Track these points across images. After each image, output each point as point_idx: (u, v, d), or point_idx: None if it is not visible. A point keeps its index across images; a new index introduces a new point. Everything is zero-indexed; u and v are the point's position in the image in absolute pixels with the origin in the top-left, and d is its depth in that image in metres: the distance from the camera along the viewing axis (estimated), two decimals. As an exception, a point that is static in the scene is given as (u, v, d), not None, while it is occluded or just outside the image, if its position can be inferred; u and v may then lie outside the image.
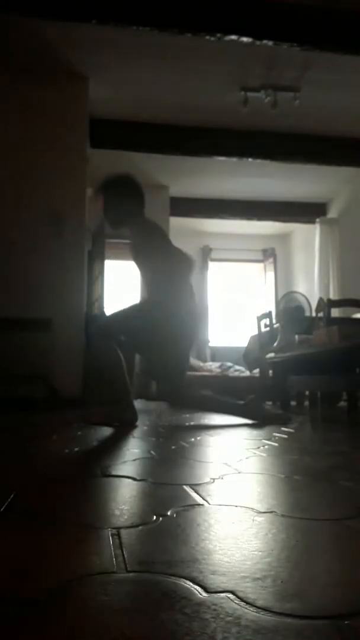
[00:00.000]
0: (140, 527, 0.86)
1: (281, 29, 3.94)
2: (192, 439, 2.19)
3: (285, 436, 2.30)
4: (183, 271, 2.86)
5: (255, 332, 5.97)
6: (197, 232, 8.34)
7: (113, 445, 1.99)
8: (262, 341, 5.60)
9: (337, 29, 3.99)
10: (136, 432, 2.45)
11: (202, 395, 3.06)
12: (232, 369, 7.51)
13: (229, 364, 7.61)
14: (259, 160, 5.99)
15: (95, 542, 0.78)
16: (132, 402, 2.80)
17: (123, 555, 0.72)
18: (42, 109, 4.77)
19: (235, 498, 1.10)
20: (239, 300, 9.05)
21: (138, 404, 5.48)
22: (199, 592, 0.59)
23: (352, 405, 3.54)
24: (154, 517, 0.91)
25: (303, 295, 6.64)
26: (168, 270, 2.78)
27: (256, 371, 6.06)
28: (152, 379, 2.96)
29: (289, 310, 5.82)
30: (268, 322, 5.56)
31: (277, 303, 7.76)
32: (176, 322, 2.77)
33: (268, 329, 5.54)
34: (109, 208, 2.88)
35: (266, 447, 1.91)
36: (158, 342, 2.77)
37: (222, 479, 1.28)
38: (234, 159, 6.00)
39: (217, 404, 3.05)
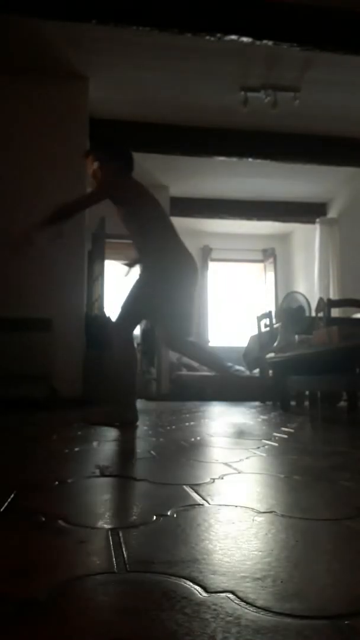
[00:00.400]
0: (140, 527, 0.86)
1: (281, 29, 3.94)
2: (192, 439, 2.19)
3: (285, 436, 2.30)
4: (166, 219, 2.95)
5: (255, 332, 5.97)
6: (197, 232, 8.34)
7: (113, 445, 1.99)
8: (262, 341, 5.60)
9: (337, 29, 3.99)
10: (136, 432, 2.45)
11: (208, 351, 3.24)
12: (232, 369, 7.51)
13: (229, 364, 7.61)
14: (259, 160, 5.99)
15: (95, 542, 0.78)
16: (134, 403, 2.80)
17: (123, 555, 0.72)
18: (42, 109, 4.78)
19: (235, 498, 1.10)
20: (239, 300, 9.05)
21: (138, 404, 5.49)
22: (199, 592, 0.59)
23: (352, 405, 3.53)
24: (154, 517, 0.91)
25: (303, 296, 6.63)
26: (154, 220, 2.84)
27: (256, 371, 6.06)
28: (166, 333, 2.99)
29: (290, 310, 5.82)
30: (268, 322, 5.56)
31: (280, 303, 7.70)
32: (175, 267, 2.81)
33: (268, 329, 5.54)
34: (98, 164, 2.93)
35: (266, 447, 1.91)
36: (169, 297, 2.81)
37: (222, 479, 1.28)
38: (234, 159, 6.00)
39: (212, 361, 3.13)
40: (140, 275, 2.86)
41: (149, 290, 2.79)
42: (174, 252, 2.83)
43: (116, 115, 5.45)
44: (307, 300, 6.11)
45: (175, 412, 3.90)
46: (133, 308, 2.78)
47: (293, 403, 4.74)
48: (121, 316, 2.78)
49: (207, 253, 8.69)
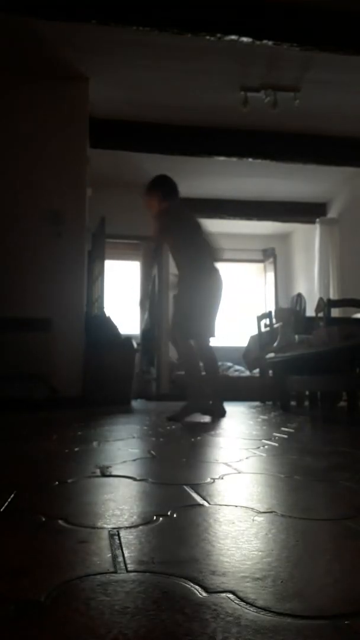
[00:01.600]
0: (140, 527, 0.86)
1: (281, 29, 3.93)
2: (192, 439, 2.19)
3: (285, 436, 2.30)
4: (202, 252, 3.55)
5: (255, 332, 5.97)
6: (197, 232, 8.32)
7: (113, 445, 1.99)
8: (262, 341, 5.60)
9: (337, 29, 3.98)
10: (136, 432, 2.45)
11: (198, 367, 3.58)
12: (232, 369, 7.52)
13: (229, 364, 7.61)
14: (259, 160, 5.98)
15: (95, 542, 0.78)
16: (208, 394, 3.45)
17: (123, 555, 0.72)
18: (42, 109, 4.77)
19: (235, 498, 1.10)
20: (239, 300, 9.04)
21: (138, 404, 5.49)
22: (199, 592, 0.59)
23: (352, 405, 3.53)
24: (154, 517, 0.91)
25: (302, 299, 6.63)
26: (189, 250, 3.50)
27: (256, 371, 6.05)
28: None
29: (291, 310, 5.82)
30: (268, 322, 5.56)
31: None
32: (197, 285, 3.45)
33: (268, 329, 5.54)
34: (153, 200, 3.65)
35: (266, 447, 1.91)
36: (190, 304, 3.45)
37: (222, 479, 1.28)
38: (234, 159, 5.99)
39: (196, 381, 3.48)
40: (178, 293, 3.56)
41: (181, 299, 3.48)
42: (195, 270, 3.47)
43: (116, 115, 5.45)
44: (301, 301, 6.10)
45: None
46: (177, 315, 3.47)
47: (293, 403, 4.74)
48: (173, 325, 3.50)
49: (207, 253, 8.68)
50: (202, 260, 3.53)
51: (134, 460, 1.61)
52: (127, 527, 0.85)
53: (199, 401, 3.40)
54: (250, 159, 5.95)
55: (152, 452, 1.82)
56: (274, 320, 5.48)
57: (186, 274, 3.51)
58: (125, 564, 0.68)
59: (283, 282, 8.89)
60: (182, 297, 3.50)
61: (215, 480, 1.26)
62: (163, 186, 3.74)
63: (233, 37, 3.88)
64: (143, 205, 3.79)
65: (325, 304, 4.32)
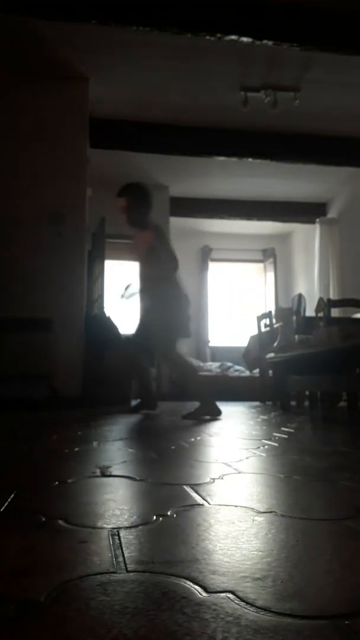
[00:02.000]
0: (140, 527, 0.86)
1: (281, 29, 3.93)
2: (192, 439, 2.19)
3: (285, 436, 2.30)
4: (171, 270, 3.54)
5: (255, 332, 5.97)
6: (197, 232, 8.33)
7: (113, 445, 1.99)
8: (262, 341, 5.60)
9: (337, 29, 3.98)
10: (136, 432, 2.45)
11: (194, 371, 3.79)
12: (232, 369, 7.51)
13: (229, 364, 7.61)
14: (259, 160, 5.98)
15: (95, 542, 0.78)
16: (212, 398, 3.49)
17: (123, 555, 0.72)
18: (42, 109, 4.77)
19: (235, 498, 1.10)
20: (239, 300, 9.05)
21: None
22: (199, 592, 0.59)
23: (352, 405, 3.53)
24: (154, 517, 0.91)
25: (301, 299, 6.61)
26: (160, 267, 3.49)
27: (256, 371, 6.05)
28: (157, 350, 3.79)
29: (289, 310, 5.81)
30: (268, 322, 5.56)
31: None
32: (167, 303, 3.50)
33: (268, 329, 5.54)
34: (130, 208, 3.59)
35: (266, 447, 1.91)
36: (162, 322, 3.50)
37: (222, 479, 1.28)
38: (234, 159, 5.99)
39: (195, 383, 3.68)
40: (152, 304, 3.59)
41: (164, 314, 3.49)
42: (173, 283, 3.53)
43: (116, 115, 5.45)
44: (300, 302, 6.10)
45: (175, 412, 3.90)
46: (163, 331, 3.50)
47: (293, 403, 4.74)
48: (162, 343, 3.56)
49: (207, 253, 8.68)
50: (175, 274, 3.59)
51: (134, 460, 1.61)
52: (127, 527, 0.85)
53: (208, 400, 3.46)
54: (250, 159, 5.95)
55: (152, 452, 1.82)
56: (274, 320, 5.48)
57: (164, 287, 3.53)
58: (125, 564, 0.68)
59: (283, 282, 8.90)
60: (164, 311, 3.51)
61: (215, 480, 1.26)
62: (149, 207, 3.68)
63: (233, 37, 3.88)
64: (116, 205, 3.71)
65: (325, 304, 4.32)
